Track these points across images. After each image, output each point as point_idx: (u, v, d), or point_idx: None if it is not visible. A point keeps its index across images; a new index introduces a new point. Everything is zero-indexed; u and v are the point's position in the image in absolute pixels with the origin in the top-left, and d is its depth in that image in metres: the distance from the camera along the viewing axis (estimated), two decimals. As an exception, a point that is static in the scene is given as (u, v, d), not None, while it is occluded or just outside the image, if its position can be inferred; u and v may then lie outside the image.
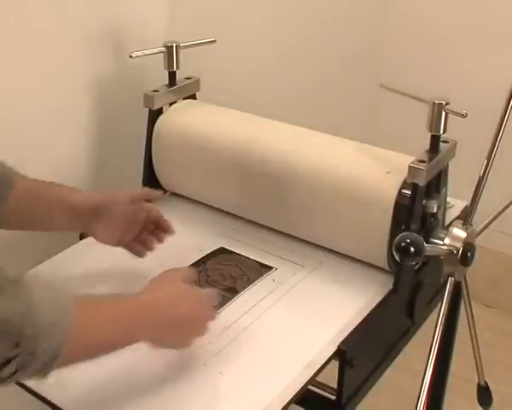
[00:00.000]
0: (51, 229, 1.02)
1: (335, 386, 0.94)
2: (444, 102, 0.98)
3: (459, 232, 1.01)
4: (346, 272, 1.06)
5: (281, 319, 0.97)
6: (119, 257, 1.06)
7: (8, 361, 0.68)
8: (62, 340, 0.71)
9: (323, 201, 1.05)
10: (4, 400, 1.16)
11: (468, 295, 1.09)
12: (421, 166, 0.97)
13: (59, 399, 0.85)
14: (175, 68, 1.24)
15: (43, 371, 0.72)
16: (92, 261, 1.09)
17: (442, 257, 1.01)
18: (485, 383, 1.24)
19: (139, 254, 1.04)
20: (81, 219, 0.99)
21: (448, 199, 1.13)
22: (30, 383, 0.87)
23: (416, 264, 1.04)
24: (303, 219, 1.10)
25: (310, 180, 1.06)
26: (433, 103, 0.98)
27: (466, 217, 1.02)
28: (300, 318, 0.97)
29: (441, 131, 1.00)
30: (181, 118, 1.22)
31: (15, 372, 0.69)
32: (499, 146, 0.98)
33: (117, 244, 1.02)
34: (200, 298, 0.89)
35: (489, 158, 0.98)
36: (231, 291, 1.02)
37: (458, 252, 1.00)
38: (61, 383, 0.87)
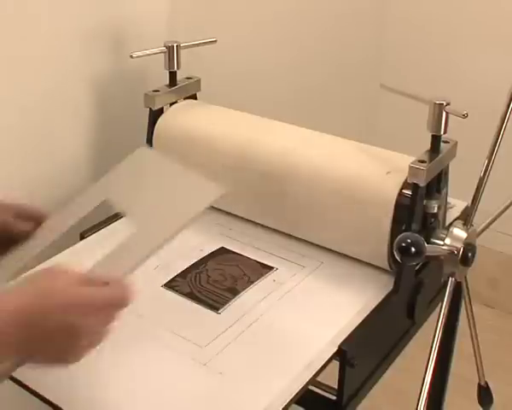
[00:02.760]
0: None
1: (336, 386, 0.94)
2: (444, 103, 0.98)
3: (460, 233, 1.01)
4: (347, 273, 1.06)
5: (281, 319, 0.97)
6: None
7: None
8: None
9: (324, 201, 1.05)
10: (4, 400, 1.16)
11: (469, 296, 1.09)
12: (422, 167, 0.97)
13: (59, 399, 0.85)
14: (175, 68, 1.24)
15: None
16: (93, 262, 1.09)
17: (442, 257, 1.01)
18: (486, 383, 1.24)
19: None
20: None
21: (448, 199, 1.13)
22: (30, 382, 0.87)
23: (417, 264, 1.04)
24: (303, 220, 1.10)
25: (310, 180, 1.06)
26: (434, 104, 0.98)
27: (466, 217, 1.02)
28: (301, 318, 0.97)
29: (442, 132, 1.00)
30: (181, 118, 1.22)
31: None
32: (499, 146, 0.98)
33: None
34: (95, 301, 0.73)
35: (489, 158, 0.98)
36: (232, 292, 1.02)
37: (459, 252, 1.00)
38: (61, 382, 0.87)
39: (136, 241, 0.81)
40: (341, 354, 0.91)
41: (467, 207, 1.15)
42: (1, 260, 0.88)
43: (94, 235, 1.14)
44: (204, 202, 0.83)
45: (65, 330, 0.70)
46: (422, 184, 0.98)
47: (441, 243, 1.01)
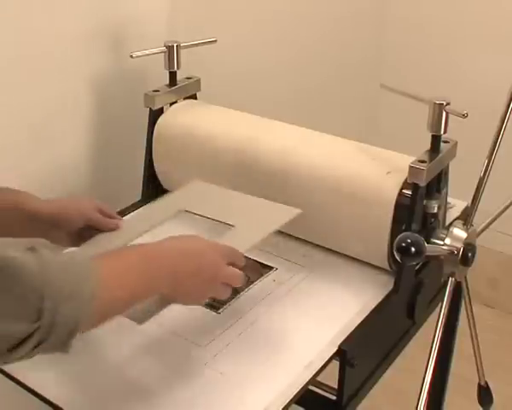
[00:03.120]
0: (5, 235, 0.97)
1: (336, 386, 0.94)
2: (444, 103, 0.98)
3: (460, 232, 1.01)
4: (347, 273, 1.07)
5: (281, 319, 0.98)
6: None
7: (29, 337, 0.67)
8: (82, 310, 0.71)
9: (324, 201, 1.05)
10: (4, 400, 1.16)
11: (469, 296, 1.09)
12: (422, 167, 0.97)
13: (59, 398, 0.85)
14: (175, 68, 1.24)
15: (63, 345, 0.71)
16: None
17: (442, 257, 1.01)
18: (486, 383, 1.24)
19: None
20: (41, 227, 0.97)
21: (449, 199, 1.13)
22: (30, 382, 0.88)
23: (417, 264, 1.04)
24: (303, 219, 1.09)
25: (310, 180, 1.06)
26: (434, 103, 0.98)
27: (466, 217, 1.02)
28: (301, 318, 0.97)
29: (442, 132, 1.00)
30: (181, 118, 1.22)
31: (35, 348, 0.68)
32: (499, 146, 0.98)
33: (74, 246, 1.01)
34: (223, 255, 0.88)
35: (489, 158, 0.98)
36: (232, 291, 1.02)
37: (459, 252, 1.00)
38: (61, 382, 0.87)
39: (235, 238, 0.95)
40: (341, 354, 0.91)
41: (467, 207, 1.15)
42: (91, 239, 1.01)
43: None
44: (284, 217, 0.99)
45: (211, 267, 0.86)
46: (422, 184, 0.98)
47: (441, 242, 1.01)
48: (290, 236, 1.14)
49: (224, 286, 0.87)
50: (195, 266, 0.84)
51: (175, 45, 1.22)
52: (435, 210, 1.03)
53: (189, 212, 1.06)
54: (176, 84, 1.25)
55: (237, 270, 0.89)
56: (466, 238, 1.00)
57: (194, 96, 1.28)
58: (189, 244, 0.86)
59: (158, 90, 1.22)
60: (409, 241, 0.88)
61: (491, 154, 0.98)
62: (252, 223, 1.00)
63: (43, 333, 0.67)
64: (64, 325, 0.69)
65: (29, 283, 0.67)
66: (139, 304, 0.81)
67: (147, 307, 0.84)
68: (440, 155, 1.01)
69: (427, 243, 0.96)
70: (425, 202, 1.02)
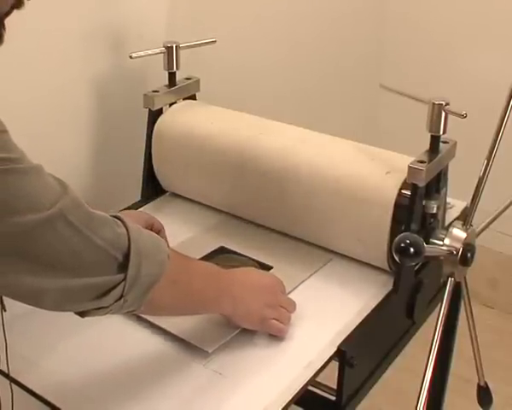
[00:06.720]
0: None
1: (335, 386, 0.94)
2: (444, 103, 0.98)
3: (459, 233, 1.01)
4: (346, 273, 1.06)
5: (281, 319, 0.97)
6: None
7: (114, 287, 0.74)
8: (162, 265, 0.79)
9: (323, 201, 1.05)
10: (4, 400, 1.16)
11: (468, 296, 1.09)
12: (421, 167, 0.97)
13: (59, 399, 0.85)
14: (175, 69, 1.24)
15: (140, 300, 0.77)
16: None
17: (442, 257, 1.01)
18: (485, 383, 1.24)
19: None
20: None
21: (448, 199, 1.13)
22: (30, 383, 0.88)
23: (416, 264, 1.04)
24: (303, 220, 1.10)
25: (310, 181, 1.06)
26: (433, 104, 0.98)
27: (466, 217, 1.02)
28: (300, 318, 0.97)
29: (441, 132, 1.00)
30: (181, 118, 1.22)
31: (119, 298, 0.75)
32: (499, 146, 0.97)
33: None
34: (279, 283, 0.97)
35: (489, 158, 0.98)
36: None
37: (458, 252, 0.99)
38: (61, 383, 0.87)
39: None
40: (341, 355, 0.91)
41: (466, 208, 1.15)
42: None
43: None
44: (318, 264, 1.08)
45: (269, 292, 0.94)
46: (422, 184, 0.98)
47: (440, 243, 1.01)
48: (290, 236, 1.14)
49: (284, 310, 0.94)
50: (253, 291, 0.93)
51: (174, 46, 1.22)
52: (434, 210, 1.03)
53: (226, 248, 1.11)
54: (175, 85, 1.25)
55: (291, 298, 0.97)
56: (465, 238, 1.00)
57: (193, 97, 1.28)
58: (248, 274, 0.97)
59: (157, 91, 1.22)
60: (408, 241, 0.88)
61: (491, 154, 0.98)
62: (289, 267, 1.07)
63: (127, 285, 0.74)
64: (145, 279, 0.76)
65: (116, 239, 0.74)
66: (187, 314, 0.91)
67: (215, 335, 0.92)
68: (440, 155, 1.01)
69: (427, 243, 0.96)
70: (424, 202, 1.02)
